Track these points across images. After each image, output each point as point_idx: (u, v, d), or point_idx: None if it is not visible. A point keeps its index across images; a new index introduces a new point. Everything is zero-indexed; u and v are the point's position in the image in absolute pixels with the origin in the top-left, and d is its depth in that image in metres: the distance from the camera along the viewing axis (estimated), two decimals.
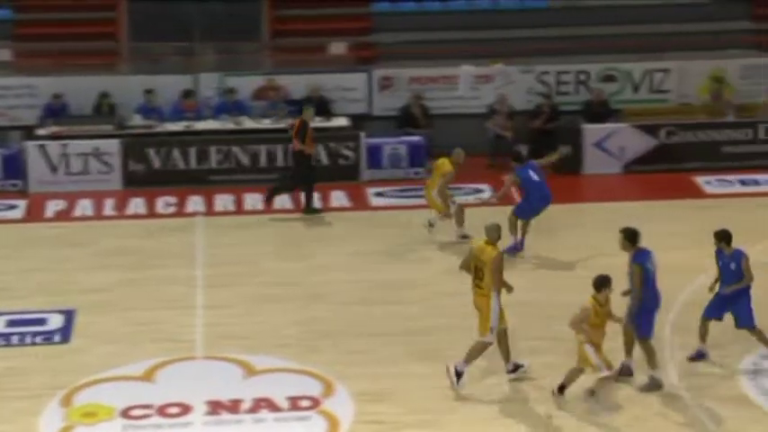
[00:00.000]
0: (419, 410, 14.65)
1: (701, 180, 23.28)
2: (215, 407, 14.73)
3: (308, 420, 14.48)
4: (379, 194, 22.84)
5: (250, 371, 15.71)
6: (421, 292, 18.15)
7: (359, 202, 22.45)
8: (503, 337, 15.23)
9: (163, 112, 24.51)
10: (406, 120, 24.51)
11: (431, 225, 20.26)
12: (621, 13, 26.68)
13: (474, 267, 15.10)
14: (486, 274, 14.92)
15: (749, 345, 15.85)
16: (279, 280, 18.78)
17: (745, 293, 15.43)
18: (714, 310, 15.57)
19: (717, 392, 15.02)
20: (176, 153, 23.56)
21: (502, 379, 15.34)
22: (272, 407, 14.74)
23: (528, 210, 19.50)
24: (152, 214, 22.19)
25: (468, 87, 25.09)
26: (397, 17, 26.86)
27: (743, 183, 23.19)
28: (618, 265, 18.53)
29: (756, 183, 23.16)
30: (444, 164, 20.13)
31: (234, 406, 14.75)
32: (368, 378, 15.39)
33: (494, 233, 15.12)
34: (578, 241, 19.90)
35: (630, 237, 14.80)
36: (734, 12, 26.88)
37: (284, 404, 14.79)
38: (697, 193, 22.70)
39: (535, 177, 19.48)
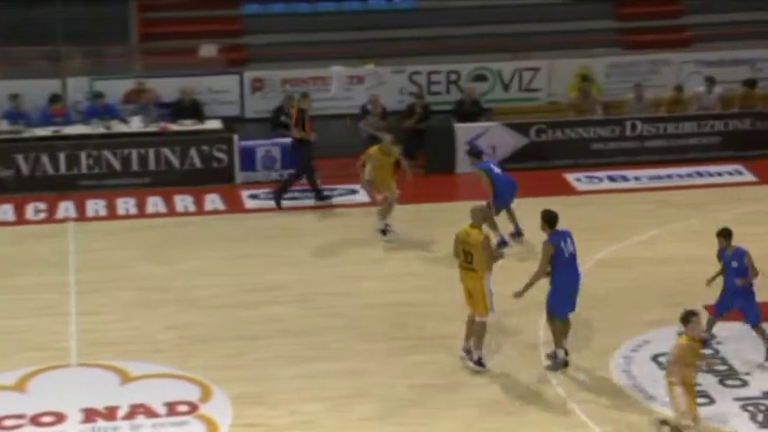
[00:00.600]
0: (296, 412, 14.66)
1: (571, 177, 23.64)
2: (90, 414, 14.55)
3: (186, 425, 14.39)
4: (253, 197, 22.75)
5: (126, 377, 15.53)
6: (296, 294, 18.13)
7: (233, 205, 22.33)
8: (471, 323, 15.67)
9: (30, 118, 24.05)
10: (279, 121, 24.42)
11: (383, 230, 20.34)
12: (489, 14, 26.97)
13: (463, 252, 15.48)
14: (475, 257, 15.33)
15: (620, 336, 16.16)
16: (153, 285, 18.59)
17: (751, 291, 15.79)
18: (723, 308, 15.98)
19: (590, 383, 15.29)
20: (45, 159, 23.15)
21: (379, 379, 15.42)
22: (150, 413, 14.60)
23: (501, 199, 19.67)
24: (21, 221, 21.76)
25: (340, 88, 25.13)
26: (266, 19, 26.78)
27: (611, 179, 23.61)
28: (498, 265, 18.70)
29: (624, 179, 23.59)
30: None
31: (110, 413, 14.58)
32: (245, 381, 15.35)
33: (478, 216, 15.65)
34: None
35: (547, 219, 15.47)
36: (597, 11, 27.38)
37: (161, 410, 14.67)
38: (568, 190, 23.05)
39: (496, 169, 19.76)
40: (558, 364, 15.53)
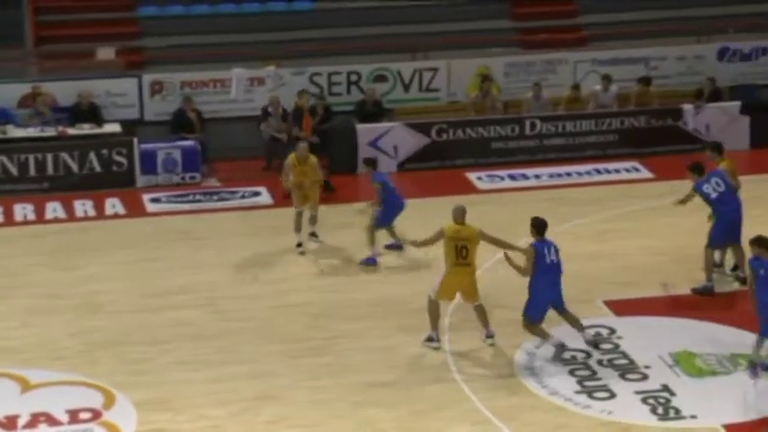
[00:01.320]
0: (203, 417, 14.58)
1: (472, 176, 23.82)
2: None
3: None
4: (154, 200, 22.57)
5: (26, 385, 15.32)
6: (202, 297, 18.03)
7: (134, 209, 22.12)
8: (434, 307, 16.13)
9: None
10: (180, 124, 24.28)
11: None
12: (386, 14, 27.10)
13: (455, 249, 15.84)
14: (470, 251, 15.81)
15: (523, 333, 16.29)
16: (53, 291, 18.35)
17: None
18: None
19: (495, 379, 15.44)
20: None
21: (286, 382, 15.41)
22: (51, 421, 14.43)
23: (387, 217, 19.47)
24: None
25: (240, 90, 25.01)
26: (164, 21, 26.58)
27: (512, 177, 23.82)
28: (403, 261, 18.74)
29: (525, 177, 23.81)
30: None
31: (10, 422, 14.38)
32: (149, 386, 15.23)
33: (460, 213, 16.08)
34: (356, 241, 20.08)
35: (535, 225, 15.92)
36: (494, 11, 27.65)
37: (63, 417, 14.51)
38: (469, 189, 23.20)
39: (390, 184, 19.67)
40: (558, 349, 15.78)
